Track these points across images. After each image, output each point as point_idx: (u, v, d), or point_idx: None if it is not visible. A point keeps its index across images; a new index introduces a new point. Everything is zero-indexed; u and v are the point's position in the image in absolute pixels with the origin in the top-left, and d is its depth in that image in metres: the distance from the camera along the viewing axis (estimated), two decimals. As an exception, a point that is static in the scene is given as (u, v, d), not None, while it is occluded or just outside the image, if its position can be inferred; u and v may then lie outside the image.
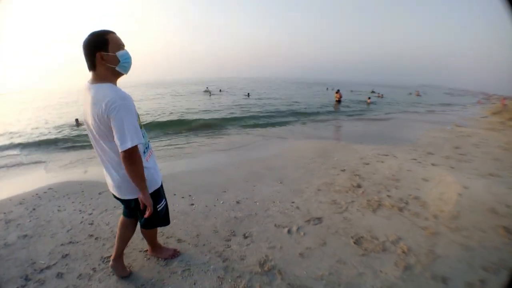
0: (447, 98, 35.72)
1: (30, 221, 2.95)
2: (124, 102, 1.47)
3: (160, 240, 2.47)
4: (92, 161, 5.62)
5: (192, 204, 3.27)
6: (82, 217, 3.00)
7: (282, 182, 3.96)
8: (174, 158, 5.90)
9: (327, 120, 12.67)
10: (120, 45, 1.54)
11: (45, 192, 3.74)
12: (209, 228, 2.73)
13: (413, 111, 17.27)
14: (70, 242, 2.52)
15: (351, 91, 38.89)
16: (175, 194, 3.54)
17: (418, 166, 4.65)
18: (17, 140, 9.00)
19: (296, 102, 21.55)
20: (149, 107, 18.28)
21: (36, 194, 3.69)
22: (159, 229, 2.48)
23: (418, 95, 38.00)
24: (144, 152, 1.70)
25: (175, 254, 2.28)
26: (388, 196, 3.43)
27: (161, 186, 1.91)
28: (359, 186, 3.75)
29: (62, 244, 2.49)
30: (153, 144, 7.38)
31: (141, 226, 2.01)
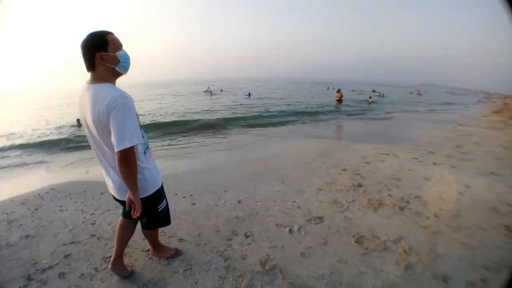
0: (448, 97, 35.66)
1: (32, 221, 2.97)
2: (126, 101, 1.46)
3: (162, 239, 2.48)
4: (93, 161, 5.62)
5: (194, 204, 3.27)
6: (84, 217, 3.01)
7: (283, 182, 3.96)
8: (176, 158, 5.90)
9: (328, 120, 12.66)
10: (119, 46, 1.55)
11: (47, 192, 3.76)
12: (211, 227, 2.74)
13: (414, 110, 17.25)
14: (72, 242, 2.53)
15: (352, 90, 38.88)
16: (176, 194, 3.55)
17: (419, 165, 4.65)
18: (18, 141, 9.01)
19: (297, 101, 21.55)
20: (150, 107, 18.30)
21: (38, 194, 3.70)
22: (161, 229, 2.48)
23: (419, 94, 37.94)
24: (144, 153, 1.70)
25: (176, 253, 2.29)
26: (389, 195, 3.43)
27: (162, 186, 1.91)
28: (360, 185, 3.75)
29: (64, 244, 2.50)
30: (155, 144, 7.40)
31: (142, 227, 2.01)
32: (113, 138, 1.44)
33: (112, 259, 2.04)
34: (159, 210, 1.87)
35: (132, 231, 2.06)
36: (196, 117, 13.21)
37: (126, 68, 1.60)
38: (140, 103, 20.97)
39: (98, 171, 4.80)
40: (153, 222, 1.95)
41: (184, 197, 3.47)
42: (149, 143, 1.86)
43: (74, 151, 7.30)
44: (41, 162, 6.21)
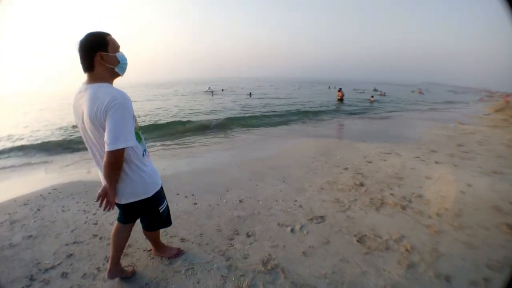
0: (449, 96, 35.61)
1: (34, 221, 2.97)
2: (125, 101, 1.44)
3: (164, 239, 2.48)
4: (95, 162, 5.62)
5: (195, 204, 3.28)
6: (86, 217, 3.02)
7: (285, 181, 3.96)
8: (177, 157, 5.91)
9: (330, 119, 12.65)
10: (117, 47, 1.55)
11: (49, 193, 3.77)
12: (212, 227, 2.74)
13: (416, 109, 17.23)
14: (75, 242, 2.54)
15: (354, 89, 38.85)
16: (178, 194, 3.55)
17: (421, 164, 4.64)
18: (20, 142, 9.05)
19: (298, 101, 21.54)
20: (151, 108, 18.32)
21: (41, 194, 3.71)
22: (162, 229, 2.49)
23: (420, 93, 37.87)
24: (143, 155, 1.68)
25: (178, 253, 2.29)
26: (391, 194, 3.42)
27: (161, 187, 1.88)
28: (362, 184, 3.74)
29: (66, 244, 2.51)
30: (156, 145, 7.42)
31: (144, 228, 2.01)
32: (106, 137, 1.40)
33: (108, 268, 1.98)
34: (160, 211, 1.87)
35: (127, 237, 2.01)
36: (197, 117, 13.22)
37: (124, 70, 1.60)
38: (141, 104, 21.01)
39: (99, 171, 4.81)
40: (154, 223, 1.96)
41: (186, 197, 3.48)
42: (146, 145, 1.84)
43: (76, 151, 7.32)
44: (42, 163, 6.24)
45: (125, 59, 1.58)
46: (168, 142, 7.90)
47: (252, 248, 2.38)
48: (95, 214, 3.09)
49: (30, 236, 2.67)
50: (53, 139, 9.40)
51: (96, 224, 2.87)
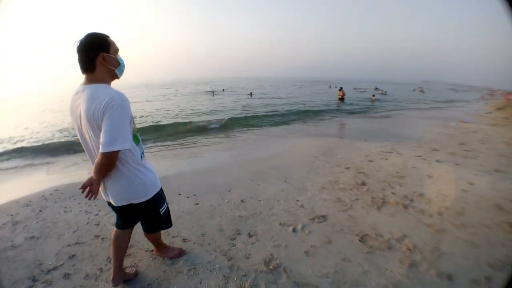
0: (451, 94, 35.52)
1: (36, 222, 2.98)
2: (123, 103, 1.42)
3: (166, 239, 2.49)
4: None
5: (197, 204, 3.28)
6: (88, 218, 3.02)
7: (287, 181, 3.96)
8: (179, 158, 5.92)
9: (331, 118, 12.64)
10: (117, 49, 1.55)
11: (51, 194, 3.78)
12: (214, 227, 2.74)
13: (417, 108, 17.20)
14: (77, 243, 2.55)
15: (354, 88, 38.82)
16: (180, 194, 3.55)
17: (423, 163, 4.64)
18: (21, 144, 9.09)
19: (299, 100, 21.55)
20: (153, 108, 18.34)
21: (42, 195, 3.73)
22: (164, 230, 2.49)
23: (421, 91, 37.83)
24: (141, 158, 1.65)
25: (180, 253, 2.29)
26: (393, 193, 3.41)
27: (161, 189, 1.85)
28: (363, 183, 3.74)
29: (68, 245, 2.51)
30: (158, 145, 7.44)
31: (144, 230, 2.01)
32: (102, 138, 1.37)
33: (112, 276, 1.93)
34: (161, 213, 1.85)
35: (128, 241, 1.99)
36: (199, 117, 13.24)
37: (122, 72, 1.59)
38: (141, 104, 21.03)
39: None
40: (155, 225, 1.95)
41: (187, 197, 3.48)
42: (144, 148, 1.80)
43: (77, 153, 7.32)
44: (44, 164, 6.26)
45: (123, 62, 1.58)
46: (170, 143, 7.93)
47: (254, 248, 2.38)
48: (97, 215, 3.09)
49: (32, 237, 2.68)
50: (54, 140, 9.44)
51: (98, 225, 2.87)
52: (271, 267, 2.12)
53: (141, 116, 13.89)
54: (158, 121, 12.32)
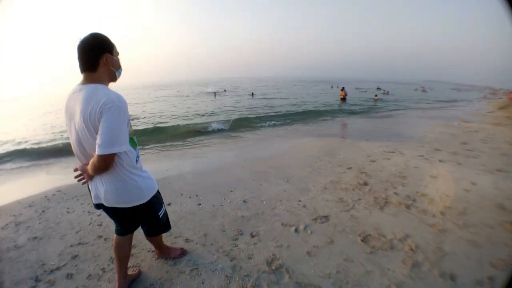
0: (453, 94, 35.42)
1: (39, 223, 3.00)
2: (121, 104, 1.39)
3: (168, 240, 2.49)
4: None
5: (200, 204, 3.28)
6: (91, 219, 3.03)
7: (289, 181, 3.96)
8: (181, 158, 5.93)
9: (333, 118, 12.63)
10: (118, 52, 1.56)
11: (53, 194, 3.79)
12: (217, 227, 2.74)
13: (419, 107, 17.16)
14: (79, 243, 2.55)
15: (356, 88, 38.78)
16: (182, 194, 3.56)
17: (425, 162, 4.63)
18: (24, 145, 9.13)
19: (300, 101, 21.53)
20: (154, 109, 18.38)
21: (45, 196, 3.74)
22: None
23: (423, 91, 37.74)
24: (136, 161, 1.62)
25: (182, 253, 2.30)
26: (395, 193, 3.41)
27: (158, 192, 1.82)
28: (365, 183, 3.74)
29: (71, 245, 2.52)
30: (160, 146, 7.44)
31: (145, 233, 2.01)
32: (99, 140, 1.34)
33: (118, 283, 1.89)
34: (160, 216, 1.83)
35: (129, 247, 1.95)
36: (201, 118, 13.27)
37: (120, 75, 1.59)
38: (144, 105, 21.07)
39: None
40: (154, 229, 1.95)
41: (190, 197, 3.48)
42: (139, 152, 1.75)
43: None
44: (46, 165, 6.29)
45: (120, 65, 1.59)
46: (172, 143, 7.93)
47: (257, 248, 2.38)
48: (99, 215, 3.10)
49: (35, 237, 2.69)
50: (56, 142, 9.47)
51: (100, 225, 2.88)
52: (273, 267, 2.12)
53: (143, 117, 13.97)
54: (160, 122, 12.32)
